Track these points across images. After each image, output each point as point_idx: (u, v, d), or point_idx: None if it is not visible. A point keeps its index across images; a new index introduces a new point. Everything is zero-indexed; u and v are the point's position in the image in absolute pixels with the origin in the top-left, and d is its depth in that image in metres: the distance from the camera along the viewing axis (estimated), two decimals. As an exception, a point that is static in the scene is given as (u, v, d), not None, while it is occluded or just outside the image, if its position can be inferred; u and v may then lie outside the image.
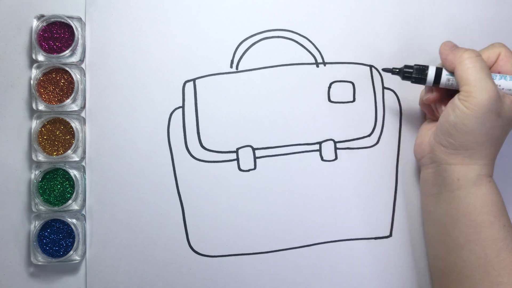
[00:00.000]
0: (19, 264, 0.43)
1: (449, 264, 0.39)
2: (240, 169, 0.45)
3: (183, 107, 0.45)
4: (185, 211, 0.44)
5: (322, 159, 0.46)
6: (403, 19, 0.47)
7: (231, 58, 0.46)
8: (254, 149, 0.45)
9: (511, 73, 0.39)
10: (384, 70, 0.43)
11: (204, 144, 0.45)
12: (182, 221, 0.44)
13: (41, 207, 0.43)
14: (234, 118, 0.45)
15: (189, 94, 0.45)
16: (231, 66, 0.46)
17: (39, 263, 0.42)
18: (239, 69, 0.46)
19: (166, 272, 0.44)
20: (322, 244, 0.45)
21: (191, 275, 0.44)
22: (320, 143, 0.46)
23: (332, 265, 0.45)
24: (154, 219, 0.44)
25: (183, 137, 0.45)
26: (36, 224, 0.43)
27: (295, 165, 0.45)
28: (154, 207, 0.44)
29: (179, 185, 0.45)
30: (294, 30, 0.47)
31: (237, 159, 0.45)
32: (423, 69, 0.41)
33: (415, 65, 0.41)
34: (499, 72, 0.39)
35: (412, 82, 0.41)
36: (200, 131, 0.45)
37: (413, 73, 0.41)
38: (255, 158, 0.45)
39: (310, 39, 0.47)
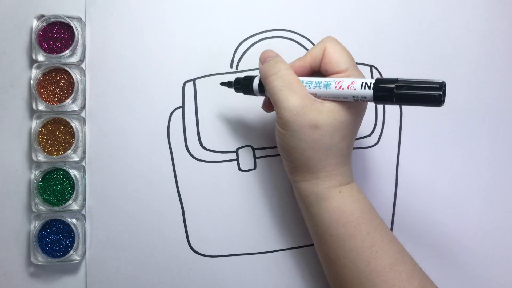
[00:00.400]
0: (19, 264, 0.43)
1: (331, 278, 0.39)
2: (240, 169, 0.45)
3: (183, 107, 0.45)
4: (185, 211, 0.44)
5: (322, 159, 0.46)
6: (403, 19, 0.47)
7: (231, 58, 0.46)
8: (254, 149, 0.45)
9: (337, 68, 0.36)
10: (222, 84, 0.43)
11: (204, 144, 0.45)
12: (182, 221, 0.44)
13: (41, 207, 0.43)
14: (234, 118, 0.45)
15: (189, 94, 0.45)
16: (231, 66, 0.46)
17: (39, 263, 0.42)
18: (239, 69, 0.46)
19: (166, 272, 0.44)
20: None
21: (191, 275, 0.44)
22: (320, 143, 0.46)
23: (332, 265, 0.45)
24: (154, 219, 0.44)
25: (183, 137, 0.45)
26: (36, 224, 0.43)
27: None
28: (154, 207, 0.44)
29: (179, 185, 0.45)
30: (294, 30, 0.47)
31: (237, 159, 0.45)
32: (249, 79, 0.40)
33: (244, 76, 0.41)
34: (326, 70, 0.37)
35: (244, 93, 0.41)
36: (200, 131, 0.45)
37: (242, 85, 0.41)
38: (255, 158, 0.45)
39: (310, 39, 0.47)
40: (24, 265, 0.43)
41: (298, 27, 0.47)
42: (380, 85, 0.33)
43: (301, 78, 0.37)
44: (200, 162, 0.45)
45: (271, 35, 0.46)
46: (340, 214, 0.36)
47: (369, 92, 0.33)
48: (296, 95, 0.35)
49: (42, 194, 0.43)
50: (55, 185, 0.43)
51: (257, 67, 0.46)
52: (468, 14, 0.48)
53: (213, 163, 0.45)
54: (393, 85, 0.31)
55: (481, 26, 0.48)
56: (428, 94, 0.30)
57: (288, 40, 0.46)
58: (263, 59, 0.39)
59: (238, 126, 0.45)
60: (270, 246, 0.45)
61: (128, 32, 0.45)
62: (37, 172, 0.43)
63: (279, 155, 0.45)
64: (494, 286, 0.46)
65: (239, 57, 0.46)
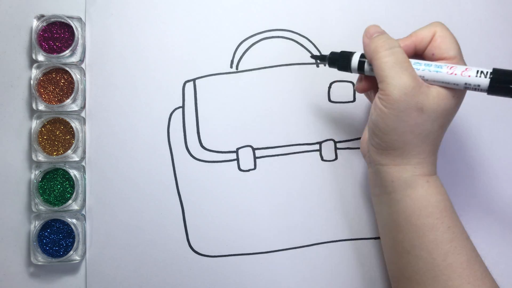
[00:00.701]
0: (19, 264, 0.43)
1: (399, 268, 0.38)
2: (240, 169, 0.45)
3: (183, 107, 0.45)
4: (185, 211, 0.44)
5: (322, 159, 0.46)
6: (403, 19, 0.47)
7: (231, 58, 0.46)
8: (254, 149, 0.45)
9: (445, 54, 0.35)
10: (312, 57, 0.43)
11: (204, 144, 0.45)
12: (182, 221, 0.44)
13: (41, 207, 0.43)
14: (234, 118, 0.45)
15: (189, 94, 0.45)
16: (231, 66, 0.46)
17: (39, 263, 0.42)
18: (239, 69, 0.46)
19: (166, 272, 0.44)
20: (322, 244, 0.45)
21: (191, 275, 0.44)
22: (320, 143, 0.46)
23: (332, 265, 0.45)
24: (154, 219, 0.44)
25: (183, 137, 0.45)
26: (36, 224, 0.43)
27: (295, 165, 0.45)
28: (154, 207, 0.44)
29: (179, 185, 0.45)
30: (294, 30, 0.47)
31: (237, 159, 0.45)
32: (347, 56, 0.38)
33: (341, 51, 0.39)
34: (433, 54, 0.36)
35: (339, 69, 0.39)
36: (200, 131, 0.45)
37: (339, 60, 0.39)
38: (255, 158, 0.45)
39: (310, 39, 0.47)
40: (24, 265, 0.43)
41: (298, 27, 0.47)
42: (499, 75, 0.31)
43: (410, 59, 0.35)
44: (200, 162, 0.45)
45: (271, 35, 0.46)
46: (425, 204, 0.35)
47: (484, 81, 0.32)
48: (409, 75, 0.34)
49: (42, 194, 0.43)
50: (55, 185, 0.43)
51: (259, 67, 0.46)
52: (468, 14, 0.48)
53: (213, 163, 0.45)
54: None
55: (481, 26, 0.48)
56: None
57: (288, 40, 0.46)
58: (370, 34, 0.37)
59: (238, 126, 0.45)
60: (270, 246, 0.45)
61: (128, 32, 0.45)
62: (37, 172, 0.43)
63: (279, 155, 0.45)
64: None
65: (239, 57, 0.46)
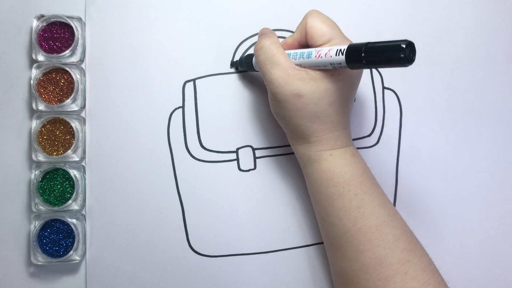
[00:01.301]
0: (19, 264, 0.43)
1: (324, 236, 0.41)
2: (240, 169, 0.45)
3: (183, 107, 0.45)
4: (185, 211, 0.44)
5: (322, 159, 0.46)
6: (403, 19, 0.47)
7: (231, 58, 0.46)
8: (254, 149, 0.45)
9: (318, 42, 0.37)
10: (231, 66, 0.46)
11: (204, 144, 0.45)
12: (182, 221, 0.44)
13: (41, 207, 0.43)
14: (234, 118, 0.45)
15: (189, 94, 0.45)
16: (231, 66, 0.46)
17: (39, 263, 0.42)
18: (239, 69, 0.46)
19: (166, 272, 0.44)
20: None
21: (191, 275, 0.44)
22: (320, 143, 0.46)
23: (332, 265, 0.45)
24: (154, 219, 0.44)
25: (183, 137, 0.45)
26: (36, 224, 0.43)
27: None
28: (154, 207, 0.44)
29: (179, 185, 0.45)
30: (294, 30, 0.46)
31: (237, 159, 0.45)
32: (249, 57, 0.43)
33: (246, 55, 0.44)
34: (312, 45, 0.38)
35: (248, 70, 0.44)
36: (200, 131, 0.45)
37: (243, 62, 0.44)
38: (255, 158, 0.45)
39: (310, 39, 0.47)
40: (24, 265, 0.43)
41: (298, 27, 0.47)
42: (351, 50, 0.33)
43: (288, 51, 0.38)
44: (200, 162, 0.45)
45: (271, 35, 0.46)
46: (330, 175, 0.38)
47: (342, 58, 0.34)
48: (278, 67, 0.37)
49: (42, 194, 0.43)
50: (55, 185, 0.43)
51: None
52: (468, 14, 0.48)
53: (213, 163, 0.45)
54: (362, 49, 0.32)
55: (481, 26, 0.48)
56: (396, 55, 0.30)
57: (288, 40, 0.46)
58: (259, 36, 0.41)
59: (238, 126, 0.45)
60: (270, 246, 0.45)
61: (128, 32, 0.45)
62: (37, 172, 0.43)
63: (279, 155, 0.46)
64: (494, 286, 0.46)
65: (239, 57, 0.46)
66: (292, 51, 0.38)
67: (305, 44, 0.39)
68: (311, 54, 0.36)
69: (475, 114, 0.47)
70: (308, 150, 0.39)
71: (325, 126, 0.38)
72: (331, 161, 0.38)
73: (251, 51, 0.46)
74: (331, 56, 0.35)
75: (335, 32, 0.37)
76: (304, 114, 0.37)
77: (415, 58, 0.30)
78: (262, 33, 0.41)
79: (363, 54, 0.32)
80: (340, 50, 0.34)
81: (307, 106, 0.37)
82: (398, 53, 0.30)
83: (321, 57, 0.35)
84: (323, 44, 0.37)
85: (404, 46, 0.30)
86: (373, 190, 0.38)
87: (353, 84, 0.38)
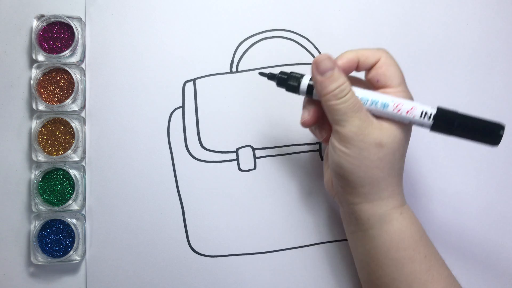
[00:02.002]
0: (19, 264, 0.43)
1: None
2: (240, 169, 0.45)
3: (183, 107, 0.45)
4: (185, 211, 0.44)
5: (322, 159, 0.46)
6: (403, 19, 0.47)
7: (231, 58, 0.46)
8: (254, 149, 0.45)
9: (389, 82, 0.36)
10: (261, 74, 0.40)
11: (204, 144, 0.45)
12: (182, 221, 0.44)
13: (41, 207, 0.43)
14: (234, 118, 0.45)
15: (189, 94, 0.45)
16: (231, 66, 0.46)
17: (39, 263, 0.42)
18: (239, 69, 0.46)
19: (166, 272, 0.44)
20: (322, 244, 0.45)
21: (191, 275, 0.44)
22: (320, 143, 0.46)
23: (332, 265, 0.45)
24: (154, 219, 0.44)
25: (183, 137, 0.45)
26: (36, 224, 0.43)
27: (295, 165, 0.45)
28: (154, 207, 0.44)
29: (179, 185, 0.45)
30: (294, 30, 0.47)
31: (237, 159, 0.45)
32: (297, 78, 0.37)
33: (291, 72, 0.38)
34: (377, 81, 0.36)
35: (287, 90, 0.38)
36: (200, 131, 0.45)
37: (288, 81, 0.37)
38: (255, 158, 0.45)
39: (310, 39, 0.47)
40: (24, 265, 0.43)
41: (298, 27, 0.47)
42: (441, 118, 0.33)
43: (356, 93, 0.35)
44: (200, 162, 0.45)
45: (271, 35, 0.46)
46: (402, 237, 0.36)
47: (428, 122, 0.33)
48: (359, 116, 0.34)
49: (42, 194, 0.43)
50: (55, 185, 0.43)
51: (258, 67, 0.46)
52: (468, 14, 0.48)
53: (213, 163, 0.45)
54: (454, 120, 0.32)
55: (481, 26, 0.48)
56: (487, 133, 0.30)
57: (288, 40, 0.46)
58: (322, 71, 0.35)
59: (238, 126, 0.45)
60: (270, 246, 0.45)
61: (128, 32, 0.45)
62: (37, 172, 0.43)
63: (279, 155, 0.45)
64: (494, 286, 0.46)
65: (239, 57, 0.46)
66: (360, 93, 0.36)
67: (362, 70, 0.37)
68: (388, 105, 0.35)
69: (475, 114, 0.47)
70: (379, 208, 0.36)
71: (397, 179, 0.36)
72: (401, 221, 0.36)
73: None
74: (414, 116, 0.34)
75: (404, 80, 0.36)
76: (383, 165, 0.35)
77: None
78: (326, 68, 0.35)
79: (455, 125, 0.31)
80: (426, 113, 0.33)
81: (388, 156, 0.35)
82: (494, 135, 0.30)
83: (401, 112, 0.34)
84: (388, 87, 0.36)
85: (502, 131, 0.30)
86: (434, 249, 0.37)
87: (408, 138, 0.37)
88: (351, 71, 0.37)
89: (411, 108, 0.34)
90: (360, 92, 0.36)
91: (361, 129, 0.34)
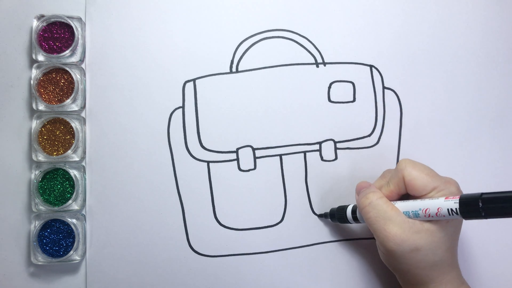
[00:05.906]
0: (19, 264, 0.43)
1: None
2: (240, 169, 0.45)
3: (183, 107, 0.45)
4: (185, 211, 0.44)
5: (322, 159, 0.46)
6: (403, 19, 0.47)
7: (231, 58, 0.46)
8: (254, 149, 0.45)
9: (420, 193, 0.37)
10: (319, 216, 0.45)
11: (204, 144, 0.45)
12: (182, 221, 0.44)
13: (41, 207, 0.43)
14: (234, 118, 0.45)
15: (189, 94, 0.45)
16: (231, 66, 0.46)
17: (39, 263, 0.42)
18: (239, 69, 0.46)
19: (166, 272, 0.44)
20: (322, 244, 0.45)
21: (191, 275, 0.44)
22: (320, 143, 0.46)
23: (332, 265, 0.45)
24: (154, 219, 0.44)
25: (183, 137, 0.45)
26: (36, 224, 0.43)
27: (295, 165, 0.45)
28: (154, 207, 0.44)
29: (179, 185, 0.45)
30: (294, 30, 0.47)
31: (237, 159, 0.45)
32: (343, 209, 0.42)
33: (338, 207, 0.43)
34: (414, 196, 0.38)
35: (340, 222, 0.43)
36: (200, 131, 0.45)
37: (335, 214, 0.43)
38: (255, 158, 0.45)
39: (310, 39, 0.47)
40: (24, 265, 0.43)
41: (298, 27, 0.47)
42: (466, 208, 0.32)
43: (396, 205, 0.38)
44: (200, 162, 0.45)
45: (271, 35, 0.46)
46: None
47: (458, 216, 0.33)
48: (392, 224, 0.36)
49: (42, 194, 0.43)
50: (55, 185, 0.43)
51: (259, 67, 0.46)
52: (468, 14, 0.48)
53: (213, 163, 0.45)
54: (478, 201, 0.31)
55: (481, 26, 0.48)
56: None
57: (288, 40, 0.46)
58: (358, 190, 0.41)
59: (238, 126, 0.45)
60: (270, 246, 0.45)
61: (128, 32, 0.45)
62: (37, 172, 0.43)
63: (279, 155, 0.45)
64: (495, 286, 0.46)
65: (239, 57, 0.46)
66: (402, 209, 0.37)
67: (404, 194, 0.39)
68: (418, 213, 0.36)
69: (475, 114, 0.47)
70: None
71: (443, 270, 0.37)
72: None
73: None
74: (443, 216, 0.34)
75: (436, 179, 0.37)
76: (423, 265, 0.36)
77: None
78: (362, 187, 0.40)
79: (480, 205, 0.31)
80: (452, 210, 0.33)
81: (426, 257, 0.36)
82: None
83: (431, 216, 0.35)
84: (427, 194, 0.37)
85: None
86: None
87: (461, 222, 0.38)
88: (397, 198, 0.39)
89: (438, 209, 0.34)
90: (399, 205, 0.37)
91: (396, 237, 0.36)
